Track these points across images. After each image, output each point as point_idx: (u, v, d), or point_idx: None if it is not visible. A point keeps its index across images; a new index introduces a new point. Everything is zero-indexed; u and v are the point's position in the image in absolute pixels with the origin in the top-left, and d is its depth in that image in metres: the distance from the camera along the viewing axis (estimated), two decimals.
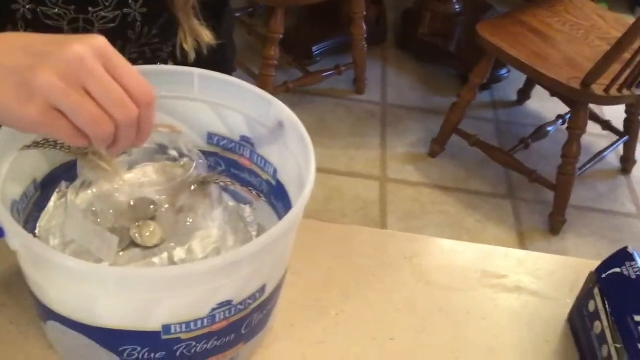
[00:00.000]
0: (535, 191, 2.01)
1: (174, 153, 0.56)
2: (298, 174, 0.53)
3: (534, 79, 1.96)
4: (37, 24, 0.67)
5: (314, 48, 2.35)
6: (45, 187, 0.53)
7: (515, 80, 2.36)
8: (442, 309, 0.61)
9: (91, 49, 0.42)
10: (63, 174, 0.53)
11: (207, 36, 0.71)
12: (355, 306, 0.61)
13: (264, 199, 0.58)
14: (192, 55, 0.71)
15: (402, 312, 0.61)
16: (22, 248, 0.42)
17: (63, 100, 0.41)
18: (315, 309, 0.60)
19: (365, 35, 2.15)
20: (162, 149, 0.56)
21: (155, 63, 0.76)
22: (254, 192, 0.57)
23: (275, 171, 0.57)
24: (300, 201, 0.47)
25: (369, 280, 0.63)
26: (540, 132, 2.08)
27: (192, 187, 0.54)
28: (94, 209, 0.51)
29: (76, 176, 0.52)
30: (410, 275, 0.64)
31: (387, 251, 0.67)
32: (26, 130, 0.43)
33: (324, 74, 2.20)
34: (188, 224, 0.53)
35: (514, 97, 2.38)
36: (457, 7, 2.44)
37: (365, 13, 2.10)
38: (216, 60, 0.77)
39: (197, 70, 0.56)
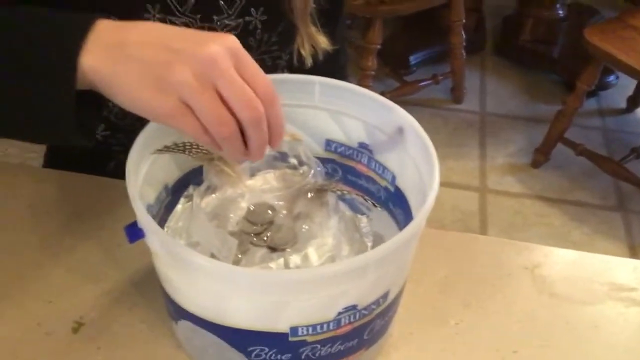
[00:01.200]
0: None
1: (293, 161, 0.57)
2: (419, 180, 0.53)
3: None
4: None
5: (410, 58, 2.34)
6: (175, 192, 0.55)
7: (624, 87, 2.25)
8: (567, 322, 0.59)
9: (224, 49, 0.43)
10: (191, 179, 0.56)
11: (324, 42, 0.72)
12: (475, 316, 0.59)
13: (380, 208, 0.58)
14: (309, 61, 0.72)
15: (524, 324, 0.59)
16: (161, 249, 0.44)
17: (194, 98, 0.43)
18: (434, 317, 0.59)
19: (464, 44, 2.12)
20: (282, 157, 0.57)
21: (274, 71, 0.78)
22: (369, 202, 0.57)
23: (393, 177, 0.56)
24: (425, 206, 0.46)
25: (488, 290, 0.61)
26: None
27: (309, 195, 0.55)
28: (216, 212, 0.53)
29: (202, 181, 0.54)
30: (531, 286, 0.62)
31: (505, 261, 0.65)
32: (156, 120, 0.45)
33: (421, 84, 2.18)
34: (304, 230, 0.54)
35: (622, 104, 2.27)
36: (560, 12, 2.37)
37: (464, 20, 2.07)
38: (331, 65, 0.78)
39: (318, 79, 0.57)
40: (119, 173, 0.73)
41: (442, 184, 2.01)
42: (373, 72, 1.98)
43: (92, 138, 0.49)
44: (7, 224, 0.66)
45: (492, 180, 1.99)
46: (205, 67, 0.43)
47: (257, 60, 0.75)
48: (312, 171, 0.55)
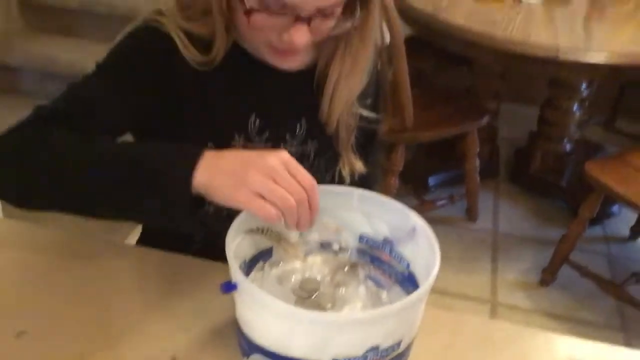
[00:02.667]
0: None
1: (336, 247, 0.79)
2: (426, 266, 0.73)
3: None
4: None
5: (429, 179, 2.57)
6: (249, 266, 0.76)
7: (627, 216, 2.44)
8: None
9: (280, 161, 0.70)
10: (260, 257, 0.77)
11: (360, 167, 0.96)
12: None
13: (398, 285, 0.78)
14: (347, 180, 0.96)
15: None
16: (247, 295, 0.64)
17: (264, 188, 0.68)
18: None
19: (479, 170, 2.35)
20: (328, 244, 0.79)
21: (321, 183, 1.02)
22: (391, 279, 0.77)
23: (408, 264, 0.77)
24: (429, 279, 0.67)
25: None
26: None
27: (346, 269, 0.76)
28: (281, 278, 0.74)
29: (269, 259, 0.75)
30: None
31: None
32: (241, 207, 0.70)
33: (438, 203, 2.40)
34: (341, 294, 0.74)
35: (626, 232, 2.45)
36: (568, 146, 2.60)
37: (478, 150, 2.31)
38: (362, 185, 1.02)
39: (356, 190, 0.79)
40: (199, 254, 0.97)
41: (455, 296, 2.21)
42: (395, 191, 2.20)
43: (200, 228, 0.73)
44: (114, 288, 0.87)
45: (503, 294, 2.15)
46: (269, 170, 0.69)
47: None
48: (349, 252, 0.77)
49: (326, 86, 0.91)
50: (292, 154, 0.95)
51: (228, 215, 0.97)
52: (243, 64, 0.91)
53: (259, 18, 0.78)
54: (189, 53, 0.85)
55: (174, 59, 0.85)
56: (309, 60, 0.93)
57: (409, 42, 1.93)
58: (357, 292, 0.73)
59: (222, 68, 0.90)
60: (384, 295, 0.78)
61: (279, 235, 0.74)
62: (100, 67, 0.87)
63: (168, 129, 0.91)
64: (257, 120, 0.93)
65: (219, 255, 0.95)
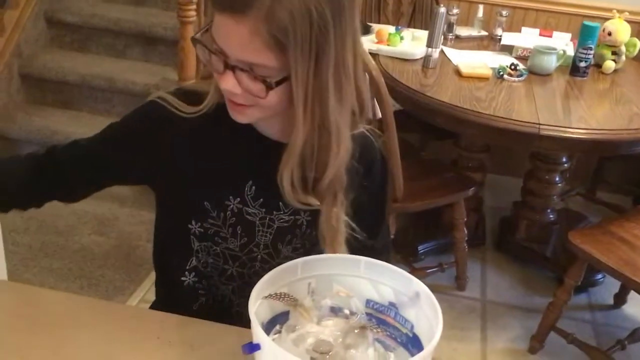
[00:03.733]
0: None
1: (346, 311, 0.85)
2: (429, 329, 0.79)
3: (624, 283, 2.12)
4: (240, 216, 1.01)
5: (419, 247, 2.62)
6: (267, 329, 0.81)
7: (610, 284, 2.50)
8: None
9: None
10: (277, 320, 0.83)
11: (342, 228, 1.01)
12: None
13: (402, 347, 0.84)
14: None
15: None
16: (266, 354, 0.70)
17: None
18: None
19: (466, 238, 2.42)
20: (339, 309, 0.85)
21: (312, 252, 1.06)
22: (396, 341, 0.83)
23: (412, 326, 0.83)
24: (432, 342, 0.73)
25: None
26: (635, 334, 2.19)
27: (356, 331, 0.82)
28: (297, 341, 0.79)
29: (285, 321, 0.81)
30: None
31: None
32: None
33: (428, 271, 2.45)
34: (352, 355, 0.79)
35: (610, 300, 2.51)
36: (551, 216, 2.69)
37: (465, 219, 2.38)
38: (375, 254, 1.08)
39: (363, 259, 0.86)
40: (202, 313, 1.04)
41: None
42: None
43: None
44: (138, 352, 0.91)
45: None
46: None
47: (300, 243, 1.06)
48: (358, 315, 0.83)
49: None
50: (283, 221, 1.02)
51: (231, 275, 1.03)
52: (242, 134, 0.97)
53: (202, 54, 0.88)
54: (180, 106, 0.96)
55: (173, 126, 0.97)
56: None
57: (398, 116, 2.04)
58: (367, 354, 0.79)
59: (222, 137, 0.98)
60: (392, 357, 0.84)
61: (295, 301, 0.80)
62: (108, 127, 1.04)
63: (173, 185, 1.01)
64: (253, 188, 0.99)
65: (220, 316, 1.01)
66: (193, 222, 1.01)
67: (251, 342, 0.71)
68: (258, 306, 0.78)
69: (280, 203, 1.00)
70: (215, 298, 1.08)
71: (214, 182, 1.00)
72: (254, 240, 1.03)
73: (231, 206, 1.00)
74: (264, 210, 1.01)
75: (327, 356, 0.78)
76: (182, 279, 1.06)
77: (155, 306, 1.20)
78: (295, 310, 0.80)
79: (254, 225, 1.02)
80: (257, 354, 0.71)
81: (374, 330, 0.82)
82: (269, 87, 0.83)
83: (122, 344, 0.92)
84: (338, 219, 0.96)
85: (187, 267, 1.05)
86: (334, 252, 0.96)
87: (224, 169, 0.99)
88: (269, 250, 1.04)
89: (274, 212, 1.01)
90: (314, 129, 0.87)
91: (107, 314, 0.99)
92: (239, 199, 1.00)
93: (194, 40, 0.87)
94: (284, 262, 1.00)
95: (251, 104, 0.88)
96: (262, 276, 0.85)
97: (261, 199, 1.00)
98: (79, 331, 0.93)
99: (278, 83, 0.83)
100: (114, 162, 1.02)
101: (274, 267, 0.99)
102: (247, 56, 0.82)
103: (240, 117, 0.91)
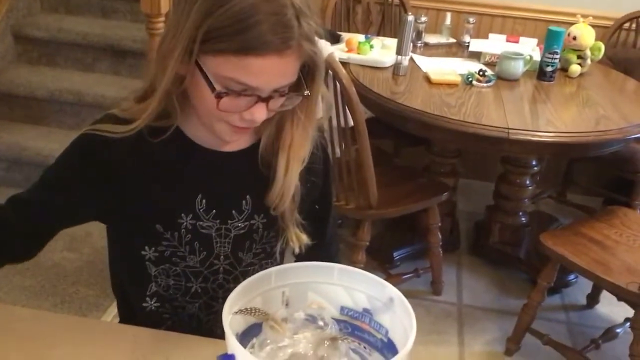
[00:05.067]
0: None
1: (320, 322, 0.85)
2: (404, 334, 0.80)
3: (596, 283, 2.16)
4: (195, 232, 1.00)
5: (394, 253, 2.64)
6: (241, 340, 0.81)
7: (583, 285, 2.54)
8: None
9: None
10: (253, 330, 0.82)
11: (305, 239, 1.03)
12: None
13: (377, 352, 0.84)
14: (297, 250, 1.04)
15: None
16: None
17: None
18: None
19: (441, 243, 2.44)
20: (313, 319, 0.85)
21: (272, 256, 1.08)
22: (371, 347, 0.83)
23: (387, 331, 0.83)
24: (406, 346, 0.73)
25: None
26: (609, 333, 2.22)
27: (326, 343, 0.82)
28: (271, 355, 0.79)
29: (259, 332, 0.81)
30: None
31: None
32: None
33: (404, 276, 2.46)
34: None
35: (583, 300, 2.55)
36: (523, 219, 2.72)
37: (440, 224, 2.40)
38: (325, 253, 1.12)
39: (337, 266, 0.86)
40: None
41: None
42: (362, 265, 2.26)
43: None
44: None
45: None
46: None
47: (260, 248, 1.08)
48: (330, 326, 0.83)
49: (279, 164, 0.98)
50: (239, 229, 1.02)
51: (196, 292, 1.03)
52: (185, 149, 0.98)
53: (226, 101, 0.87)
54: (111, 128, 0.93)
55: (109, 148, 0.94)
56: (250, 141, 1.02)
57: (370, 123, 2.05)
58: None
59: (165, 155, 0.97)
60: None
61: (267, 315, 0.80)
62: (44, 173, 1.00)
63: (122, 214, 1.00)
64: (204, 201, 0.99)
65: (187, 330, 1.00)
66: (146, 248, 1.00)
67: (226, 353, 0.71)
68: (232, 317, 0.78)
69: (233, 211, 1.01)
70: (182, 319, 1.07)
71: (162, 202, 0.99)
72: (213, 252, 1.02)
73: (184, 224, 0.99)
74: (218, 221, 1.01)
75: None
76: (144, 304, 1.05)
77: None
78: (267, 324, 0.79)
79: (210, 238, 1.01)
80: None
81: (346, 340, 0.82)
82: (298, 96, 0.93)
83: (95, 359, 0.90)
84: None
85: (148, 294, 1.04)
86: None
87: (170, 187, 0.99)
88: (230, 260, 1.04)
89: (229, 221, 1.01)
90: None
91: (79, 330, 0.98)
92: (191, 214, 0.99)
93: (219, 94, 0.86)
94: (247, 270, 1.01)
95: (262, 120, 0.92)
96: (227, 288, 0.86)
97: (214, 211, 1.00)
98: (52, 349, 0.92)
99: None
100: (61, 206, 0.98)
101: (238, 276, 1.00)
102: (286, 81, 0.89)
103: (243, 136, 0.98)
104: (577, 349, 2.17)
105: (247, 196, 1.01)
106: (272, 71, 0.85)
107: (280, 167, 0.97)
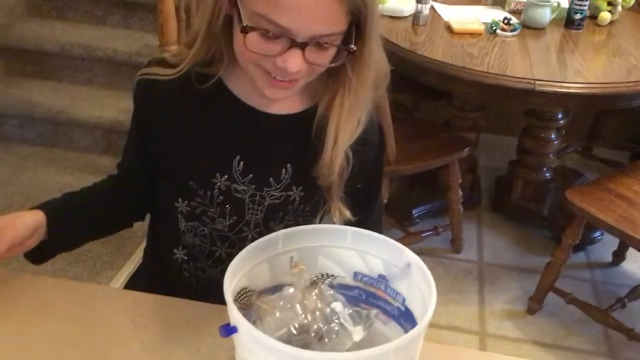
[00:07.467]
0: (636, 349, 2.05)
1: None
2: (422, 301, 0.73)
3: (623, 240, 2.08)
4: (228, 194, 0.95)
5: (413, 211, 2.59)
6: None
7: (609, 242, 2.47)
8: None
9: None
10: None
11: (348, 215, 0.95)
12: None
13: (394, 321, 0.78)
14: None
15: None
16: (249, 339, 0.64)
17: None
18: None
19: (461, 200, 2.38)
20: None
21: None
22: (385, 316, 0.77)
23: (404, 299, 0.77)
24: (427, 315, 0.67)
25: None
26: (636, 291, 2.16)
27: (313, 293, 0.74)
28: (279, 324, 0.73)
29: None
30: None
31: None
32: None
33: (423, 234, 2.41)
34: (326, 344, 0.73)
35: (609, 258, 2.48)
36: (547, 174, 2.64)
37: (460, 180, 2.33)
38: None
39: (350, 229, 0.80)
40: (185, 294, 0.98)
41: (445, 328, 2.23)
42: None
43: None
44: (109, 334, 0.85)
45: (491, 325, 2.16)
46: None
47: (292, 220, 1.01)
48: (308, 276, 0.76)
49: (328, 132, 0.91)
50: (275, 198, 0.96)
51: (219, 257, 0.97)
52: (228, 106, 0.92)
53: (254, 38, 0.80)
54: (158, 71, 0.93)
55: (159, 96, 0.93)
56: (302, 106, 0.94)
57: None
58: (335, 311, 0.72)
59: (208, 107, 0.92)
60: (373, 313, 0.76)
61: (250, 298, 0.73)
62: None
63: (161, 167, 0.99)
64: (242, 163, 0.93)
65: (204, 300, 0.96)
66: (180, 200, 0.97)
67: (228, 324, 0.65)
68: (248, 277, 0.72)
69: (271, 179, 0.95)
70: (200, 282, 1.03)
71: (198, 157, 0.94)
72: (244, 219, 0.97)
73: (218, 184, 0.94)
74: (253, 186, 0.95)
75: (306, 335, 0.72)
76: (175, 250, 1.02)
77: (134, 279, 1.15)
78: (253, 306, 0.73)
79: (243, 203, 0.96)
80: (234, 336, 0.66)
81: (324, 281, 0.75)
82: (342, 51, 0.84)
83: (93, 327, 0.86)
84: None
85: (178, 244, 1.02)
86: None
87: (208, 143, 0.94)
88: (260, 229, 0.98)
89: (264, 189, 0.95)
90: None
91: (78, 295, 0.93)
92: (226, 176, 0.94)
93: (245, 29, 0.79)
94: None
95: (305, 75, 0.84)
96: None
97: (250, 175, 0.94)
98: (46, 314, 0.88)
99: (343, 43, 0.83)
100: (143, 155, 1.01)
101: None
102: (325, 28, 0.79)
103: (284, 92, 0.88)
104: (602, 307, 2.11)
105: (288, 165, 0.95)
106: (306, 12, 0.77)
107: (330, 135, 0.90)
